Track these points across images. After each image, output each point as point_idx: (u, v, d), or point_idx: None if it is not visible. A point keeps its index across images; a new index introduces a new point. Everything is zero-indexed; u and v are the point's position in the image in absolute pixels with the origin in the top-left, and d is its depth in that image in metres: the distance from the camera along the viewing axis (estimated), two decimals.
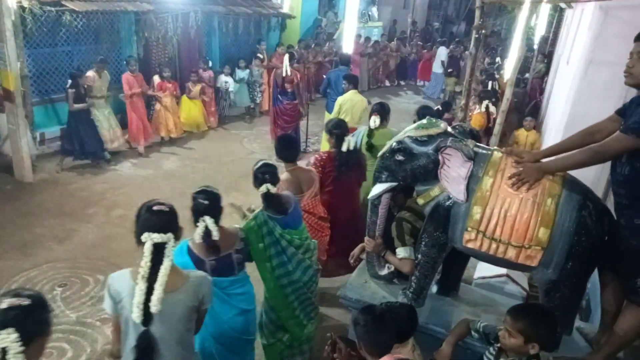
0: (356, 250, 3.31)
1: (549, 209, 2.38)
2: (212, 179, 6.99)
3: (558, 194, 2.40)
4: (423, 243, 2.73)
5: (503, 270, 3.48)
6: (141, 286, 1.95)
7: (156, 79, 8.22)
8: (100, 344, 3.71)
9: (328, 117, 7.25)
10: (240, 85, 9.91)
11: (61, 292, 4.28)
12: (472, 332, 2.44)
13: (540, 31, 11.08)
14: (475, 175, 2.52)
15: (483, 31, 4.42)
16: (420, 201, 2.71)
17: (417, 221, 2.88)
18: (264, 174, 2.91)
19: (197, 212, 2.52)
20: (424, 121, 2.73)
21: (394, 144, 2.71)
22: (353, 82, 6.56)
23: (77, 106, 6.58)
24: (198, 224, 2.50)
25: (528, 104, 9.99)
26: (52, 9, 6.94)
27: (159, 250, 1.99)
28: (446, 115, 7.14)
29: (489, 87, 7.92)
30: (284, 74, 7.77)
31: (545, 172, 2.43)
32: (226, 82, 9.62)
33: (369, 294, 3.02)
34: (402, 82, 15.35)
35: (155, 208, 2.06)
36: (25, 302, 1.58)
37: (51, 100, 7.56)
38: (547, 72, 10.57)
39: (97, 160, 7.07)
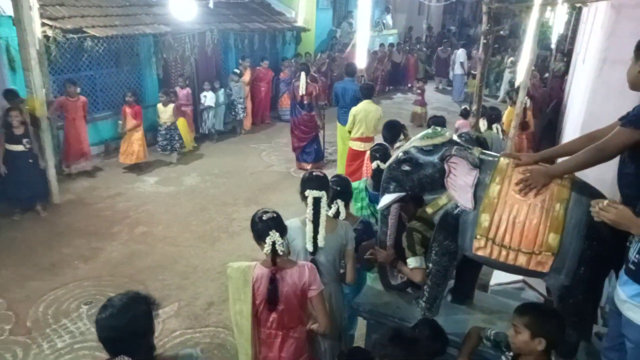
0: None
1: (557, 214, 2.35)
2: (232, 193, 7.12)
3: (567, 198, 2.38)
4: (434, 252, 2.73)
5: (520, 277, 3.43)
6: (309, 227, 2.81)
7: (178, 90, 8.65)
8: None
9: (341, 128, 7.32)
10: (216, 106, 9.39)
11: (87, 310, 4.42)
12: (484, 340, 2.42)
13: (558, 29, 10.90)
14: (482, 182, 2.51)
15: (490, 35, 4.40)
16: (429, 210, 2.71)
17: (428, 231, 2.88)
18: (376, 152, 3.72)
19: (332, 197, 3.02)
20: (429, 131, 2.74)
21: (400, 154, 2.73)
22: (366, 92, 6.60)
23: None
24: (332, 206, 3.05)
25: (548, 104, 9.82)
26: (75, 36, 7.25)
27: (317, 202, 2.78)
28: (460, 122, 7.13)
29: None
30: (301, 92, 7.89)
31: (552, 176, 2.41)
32: (204, 96, 9.22)
33: (383, 304, 3.03)
34: (391, 87, 15.38)
35: (314, 174, 2.95)
36: None
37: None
38: (567, 71, 10.38)
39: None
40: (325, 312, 2.64)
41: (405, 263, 2.92)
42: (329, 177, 3.09)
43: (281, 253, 2.50)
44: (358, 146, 6.38)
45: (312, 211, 2.81)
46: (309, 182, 2.89)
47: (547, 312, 2.15)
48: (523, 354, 2.13)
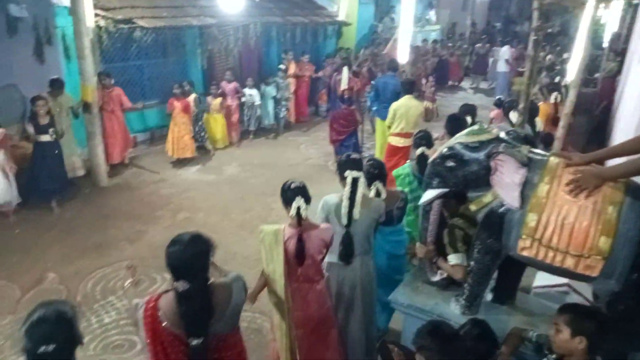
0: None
1: (610, 217, 2.29)
2: (271, 184, 7.21)
3: (620, 201, 2.30)
4: (476, 250, 2.70)
5: (565, 280, 3.34)
6: (345, 203, 3.04)
7: (224, 84, 8.70)
8: None
9: (380, 123, 7.28)
10: (265, 100, 9.35)
11: (132, 289, 4.60)
12: (525, 342, 2.39)
13: (611, 27, 10.42)
14: (530, 181, 2.46)
15: (541, 32, 4.26)
16: (473, 207, 2.68)
17: (470, 228, 2.85)
18: (421, 138, 3.91)
19: (370, 178, 3.32)
20: (475, 127, 2.71)
21: (445, 149, 2.71)
22: (408, 87, 6.55)
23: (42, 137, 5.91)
24: (371, 187, 3.32)
25: (598, 105, 9.43)
26: (125, 26, 7.50)
27: (355, 182, 3.03)
28: (495, 112, 7.02)
29: (556, 81, 7.70)
30: (343, 87, 7.89)
31: (605, 178, 2.33)
32: (250, 95, 9.10)
33: (421, 300, 3.02)
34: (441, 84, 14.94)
35: (352, 156, 3.26)
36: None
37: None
38: (619, 71, 9.93)
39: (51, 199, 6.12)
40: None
41: (446, 260, 2.91)
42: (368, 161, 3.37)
43: (304, 217, 2.82)
44: (397, 141, 6.35)
45: (350, 190, 3.05)
46: (347, 164, 3.17)
47: (588, 311, 2.14)
48: (566, 356, 2.10)
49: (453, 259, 2.84)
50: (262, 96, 9.27)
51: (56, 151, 6.07)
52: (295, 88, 10.30)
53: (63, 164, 6.26)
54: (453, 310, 2.88)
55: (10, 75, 6.54)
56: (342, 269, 3.19)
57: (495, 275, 2.92)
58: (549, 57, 12.40)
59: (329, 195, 3.23)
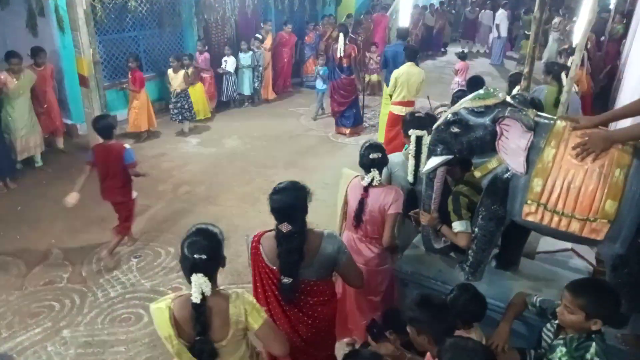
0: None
1: (617, 180, 2.26)
2: (272, 156, 7.19)
3: (628, 164, 2.27)
4: (480, 216, 2.68)
5: (568, 245, 3.34)
6: (411, 162, 3.11)
7: (197, 55, 8.43)
8: None
9: (386, 90, 7.16)
10: (242, 69, 9.05)
11: (136, 263, 4.64)
12: (529, 307, 2.39)
13: None
14: (536, 146, 2.42)
15: None
16: (477, 174, 2.65)
17: (475, 195, 2.82)
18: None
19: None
20: (481, 91, 2.64)
21: (449, 115, 2.65)
22: (410, 54, 6.40)
23: None
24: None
25: (602, 69, 9.27)
26: None
27: (419, 140, 3.05)
28: (460, 64, 7.01)
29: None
30: (339, 54, 7.71)
31: (613, 141, 2.29)
32: (225, 61, 8.80)
33: (425, 267, 3.03)
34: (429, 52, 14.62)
35: (416, 114, 3.30)
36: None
37: (121, 84, 7.98)
38: (625, 34, 9.71)
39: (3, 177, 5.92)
40: (392, 231, 3.02)
41: (450, 227, 2.90)
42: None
43: (377, 185, 2.99)
44: (399, 110, 6.23)
45: (414, 148, 3.09)
46: (411, 123, 3.18)
47: (605, 292, 2.02)
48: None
49: (457, 226, 2.82)
50: (238, 65, 8.99)
51: None
52: (274, 61, 9.89)
53: (5, 145, 5.91)
54: (457, 277, 2.89)
55: (3, 48, 6.41)
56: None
57: (499, 241, 2.91)
58: (556, 19, 12.10)
59: (396, 153, 3.41)
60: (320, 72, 8.71)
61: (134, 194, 4.58)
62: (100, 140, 4.34)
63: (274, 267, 2.38)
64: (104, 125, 4.33)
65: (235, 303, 2.00)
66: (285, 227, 2.29)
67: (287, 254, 2.30)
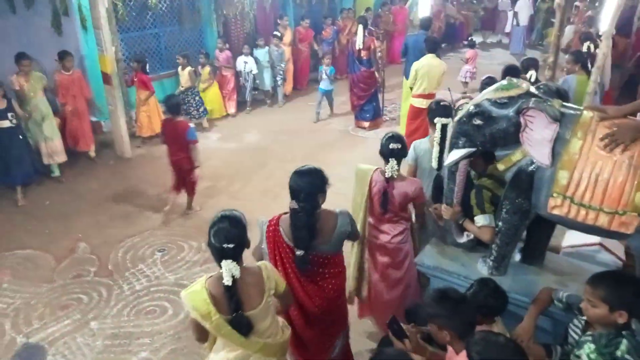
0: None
1: None
2: (291, 150, 7.21)
3: None
4: (504, 210, 2.63)
5: (596, 239, 3.24)
6: (436, 148, 3.16)
7: (217, 53, 8.46)
8: None
9: (406, 83, 7.08)
10: (260, 66, 8.82)
11: (160, 257, 4.72)
12: (555, 302, 2.34)
13: None
14: (561, 137, 2.36)
15: None
16: (501, 167, 2.60)
17: (498, 188, 2.77)
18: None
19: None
20: (504, 82, 2.58)
21: (472, 107, 2.61)
22: (431, 45, 6.30)
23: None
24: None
25: (631, 57, 8.97)
26: None
27: (444, 128, 3.12)
28: (470, 52, 6.88)
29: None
30: (358, 46, 7.64)
31: None
32: (245, 63, 8.62)
33: (447, 261, 2.99)
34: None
35: (441, 103, 3.36)
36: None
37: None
38: None
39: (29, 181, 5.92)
40: (422, 209, 3.31)
41: (473, 221, 2.85)
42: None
43: (395, 176, 3.13)
44: (420, 103, 6.16)
45: (439, 135, 3.16)
46: (437, 111, 3.30)
47: (625, 281, 1.98)
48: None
49: (480, 220, 2.78)
50: (256, 62, 8.78)
51: (20, 137, 5.64)
52: (293, 57, 9.77)
53: (30, 150, 5.88)
54: (480, 272, 2.85)
55: (29, 48, 6.55)
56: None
57: (523, 235, 2.86)
58: (575, 3, 11.75)
59: (421, 139, 3.56)
60: (327, 72, 8.23)
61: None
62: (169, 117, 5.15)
63: (290, 243, 2.62)
64: (174, 102, 5.16)
65: (268, 273, 2.31)
66: (293, 205, 2.54)
67: (296, 229, 2.56)
